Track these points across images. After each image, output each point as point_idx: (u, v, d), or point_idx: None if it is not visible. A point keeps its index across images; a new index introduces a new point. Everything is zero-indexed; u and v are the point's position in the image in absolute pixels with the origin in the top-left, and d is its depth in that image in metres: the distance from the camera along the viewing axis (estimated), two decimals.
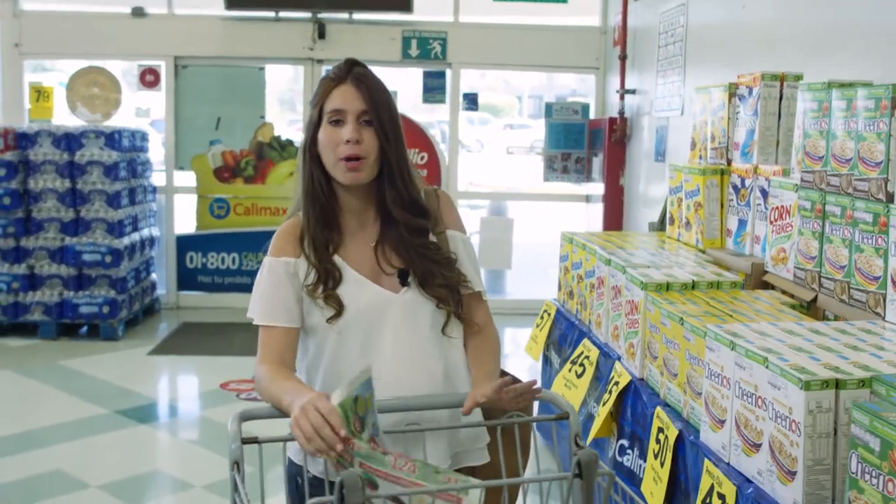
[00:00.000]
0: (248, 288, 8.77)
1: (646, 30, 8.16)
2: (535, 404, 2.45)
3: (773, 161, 4.21)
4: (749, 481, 2.66)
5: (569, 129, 9.41)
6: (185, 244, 9.83)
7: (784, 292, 3.75)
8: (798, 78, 4.26)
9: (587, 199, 9.53)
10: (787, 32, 5.30)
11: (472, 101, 10.02)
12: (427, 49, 9.51)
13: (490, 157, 18.70)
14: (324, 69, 9.79)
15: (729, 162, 4.60)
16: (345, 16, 9.42)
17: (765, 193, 4.04)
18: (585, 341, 4.54)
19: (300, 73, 9.89)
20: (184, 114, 9.76)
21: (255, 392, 2.30)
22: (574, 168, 9.41)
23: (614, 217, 8.54)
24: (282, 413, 2.14)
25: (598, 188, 8.96)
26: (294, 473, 2.34)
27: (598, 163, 8.99)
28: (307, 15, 9.39)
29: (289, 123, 11.80)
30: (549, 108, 9.63)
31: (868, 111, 3.20)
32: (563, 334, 5.04)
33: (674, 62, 7.30)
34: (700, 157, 5.02)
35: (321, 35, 9.42)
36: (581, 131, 9.36)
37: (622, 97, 8.53)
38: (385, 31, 9.47)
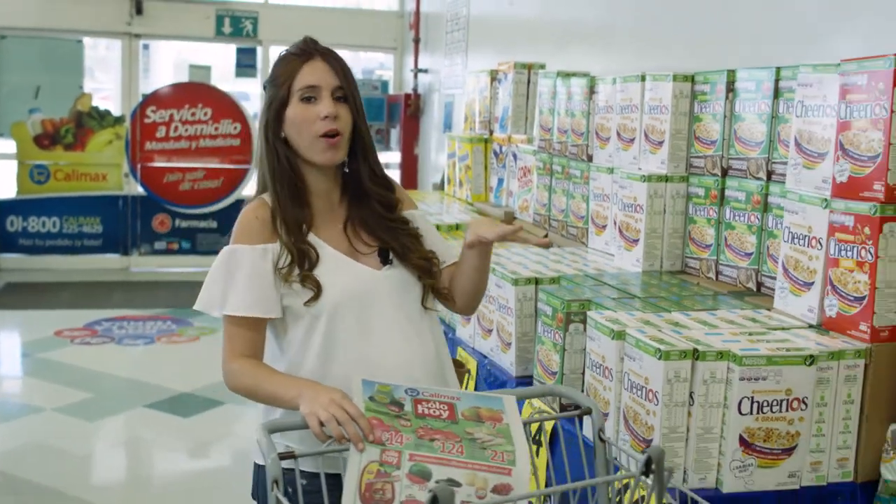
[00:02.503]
0: (69, 250, 9.53)
1: (436, 16, 9.27)
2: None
3: (522, 132, 5.36)
4: (485, 355, 3.77)
5: (370, 103, 10.43)
6: (5, 209, 10.27)
7: (527, 231, 4.91)
8: (542, 67, 5.43)
9: (387, 166, 10.61)
10: (544, 27, 6.49)
11: None
12: (239, 27, 10.29)
13: None
14: (141, 44, 10.42)
15: (491, 132, 5.75)
16: None
17: (515, 157, 5.18)
18: None
19: (117, 46, 10.45)
20: (2, 82, 10.18)
21: (230, 384, 2.20)
22: (375, 138, 10.40)
23: (410, 181, 9.65)
24: (283, 407, 2.11)
25: (396, 156, 10.07)
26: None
27: (395, 134, 10.08)
28: None
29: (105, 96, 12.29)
30: None
31: (579, 95, 4.37)
32: None
33: (458, 46, 8.44)
34: (470, 129, 6.15)
35: (139, 11, 10.03)
36: (381, 105, 10.42)
37: (416, 76, 9.63)
38: (200, 10, 10.19)
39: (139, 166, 10.23)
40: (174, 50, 13.15)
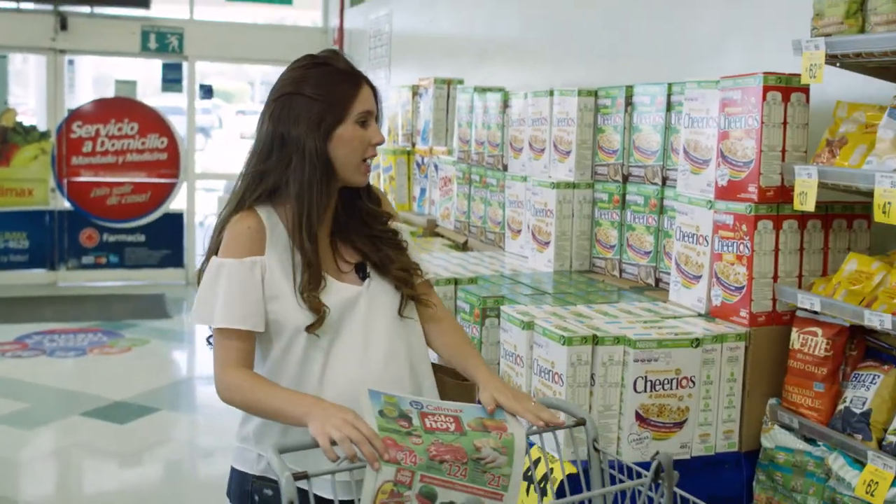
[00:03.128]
0: None
1: (359, 32, 9.53)
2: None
3: (443, 144, 5.65)
4: None
5: None
6: None
7: (448, 238, 5.20)
8: (460, 82, 5.73)
9: None
10: (462, 43, 6.80)
11: (207, 90, 11.05)
12: (165, 43, 10.42)
13: (225, 142, 19.64)
14: (66, 59, 10.49)
15: (413, 145, 6.03)
16: (86, 10, 10.18)
17: (437, 168, 5.47)
18: None
19: (34, 60, 10.49)
20: None
21: (225, 397, 2.19)
22: None
23: None
24: (287, 421, 2.10)
25: None
26: (250, 489, 2.29)
27: None
28: (49, 8, 10.07)
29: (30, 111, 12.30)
30: None
31: (494, 109, 4.67)
32: None
33: (381, 62, 8.71)
34: (394, 141, 6.42)
35: (63, 27, 10.11)
36: None
37: None
38: (125, 26, 10.30)
39: (66, 181, 10.28)
40: (99, 65, 13.22)
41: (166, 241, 10.64)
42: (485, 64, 6.31)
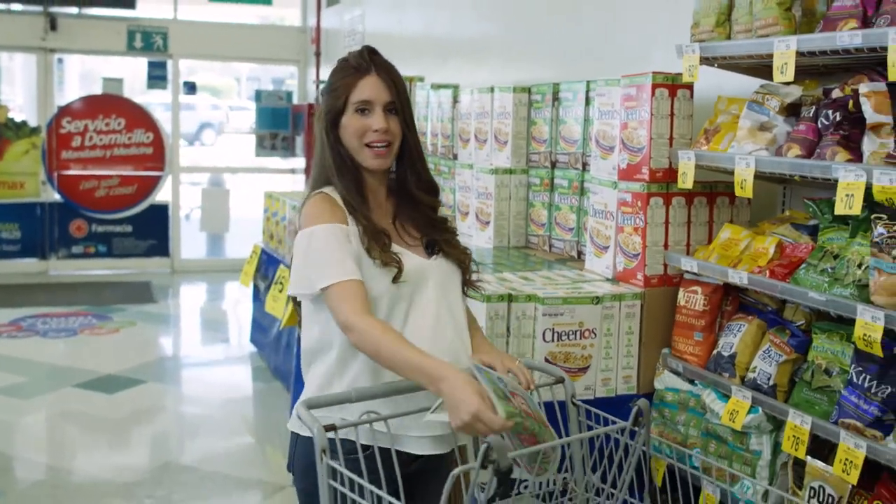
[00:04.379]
0: None
1: (335, 32, 10.02)
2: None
3: None
4: None
5: (276, 112, 11.15)
6: None
7: None
8: (421, 79, 6.24)
9: (293, 171, 11.36)
10: (426, 43, 7.31)
11: (190, 87, 11.54)
12: (150, 42, 10.88)
13: (209, 137, 20.17)
14: (56, 58, 10.95)
15: None
16: (74, 10, 10.63)
17: None
18: (281, 266, 6.34)
19: (32, 62, 10.95)
20: None
21: (357, 342, 2.24)
22: (281, 145, 11.17)
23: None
24: (401, 374, 2.21)
25: (301, 162, 10.79)
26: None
27: (300, 141, 10.80)
28: (39, 9, 10.51)
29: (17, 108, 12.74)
30: (258, 95, 11.36)
31: (446, 104, 5.19)
32: (266, 265, 6.81)
33: None
34: None
35: (52, 27, 10.55)
36: (286, 114, 11.14)
37: (318, 87, 10.37)
38: (112, 26, 10.75)
39: (56, 174, 10.73)
40: (86, 63, 13.68)
41: (152, 231, 11.11)
42: (446, 62, 6.82)
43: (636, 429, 2.24)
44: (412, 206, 2.51)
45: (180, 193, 11.32)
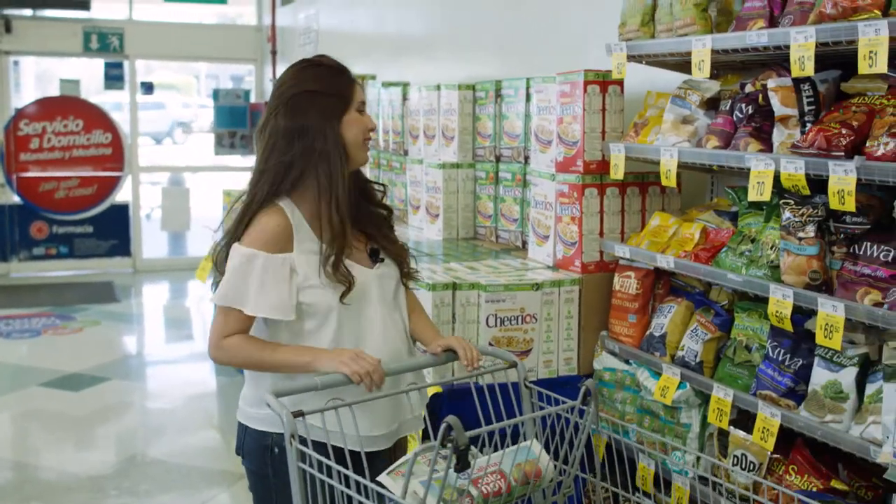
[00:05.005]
0: None
1: (290, 30, 10.15)
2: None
3: None
4: None
5: (234, 111, 11.26)
6: None
7: None
8: (373, 77, 6.40)
9: (251, 170, 11.43)
10: (377, 41, 7.46)
11: (148, 87, 11.62)
12: (106, 43, 10.94)
13: (181, 136, 20.22)
14: (11, 60, 10.98)
15: None
16: (29, 13, 10.67)
17: None
18: None
19: None
20: None
21: (222, 357, 2.52)
22: (240, 144, 11.28)
23: None
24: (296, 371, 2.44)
25: None
26: (270, 444, 2.56)
27: None
28: None
29: None
30: (216, 94, 11.46)
31: (396, 101, 5.35)
32: None
33: None
34: None
35: (7, 29, 10.58)
36: (244, 113, 11.25)
37: None
38: (67, 27, 10.80)
39: (15, 177, 10.77)
40: (41, 63, 13.67)
41: (113, 231, 11.19)
42: (397, 60, 6.99)
43: (584, 407, 2.39)
44: (360, 203, 2.67)
45: (140, 193, 11.40)
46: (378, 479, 2.17)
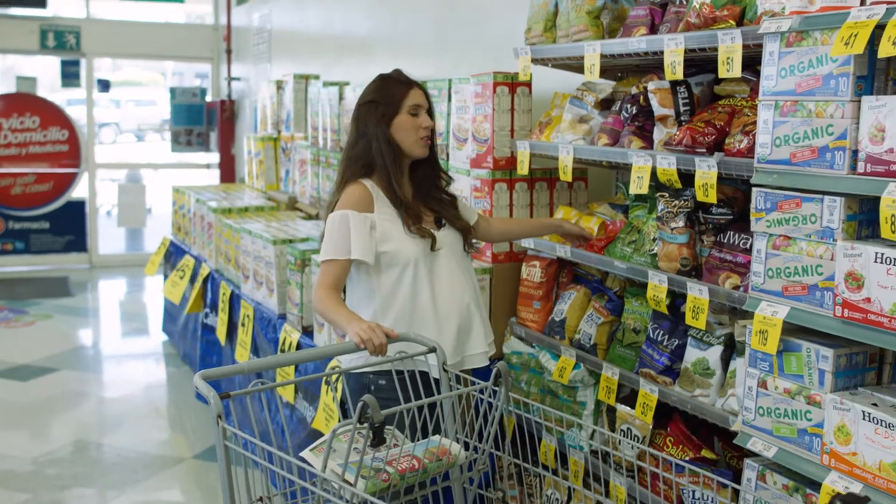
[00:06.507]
0: None
1: (245, 30, 10.32)
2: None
3: (302, 131, 6.52)
4: (259, 303, 4.92)
5: (190, 108, 11.42)
6: None
7: (304, 211, 6.08)
8: (316, 77, 6.60)
9: (208, 166, 11.62)
10: (325, 41, 7.66)
11: (104, 85, 11.74)
12: (63, 41, 11.05)
13: (126, 132, 20.26)
14: None
15: (279, 132, 6.88)
16: None
17: (295, 151, 6.33)
18: (186, 256, 6.67)
19: None
20: None
21: (314, 305, 3.01)
22: (196, 141, 11.44)
23: (228, 177, 10.66)
24: (333, 325, 2.92)
25: (215, 157, 11.06)
26: (365, 383, 3.05)
27: (214, 136, 11.08)
28: None
29: None
30: (173, 92, 11.60)
31: (334, 100, 5.56)
32: (175, 256, 7.12)
33: (263, 57, 9.52)
34: (265, 129, 7.26)
35: None
36: (200, 111, 11.41)
37: (229, 83, 10.66)
38: (23, 25, 10.90)
39: None
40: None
41: (70, 227, 11.30)
42: (341, 60, 7.19)
43: (497, 388, 2.58)
44: (428, 187, 3.17)
45: (97, 190, 11.52)
46: (300, 454, 2.35)
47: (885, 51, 2.06)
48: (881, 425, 2.14)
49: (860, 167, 2.17)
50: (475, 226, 3.30)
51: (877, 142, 2.13)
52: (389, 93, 3.08)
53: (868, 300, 2.15)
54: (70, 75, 11.35)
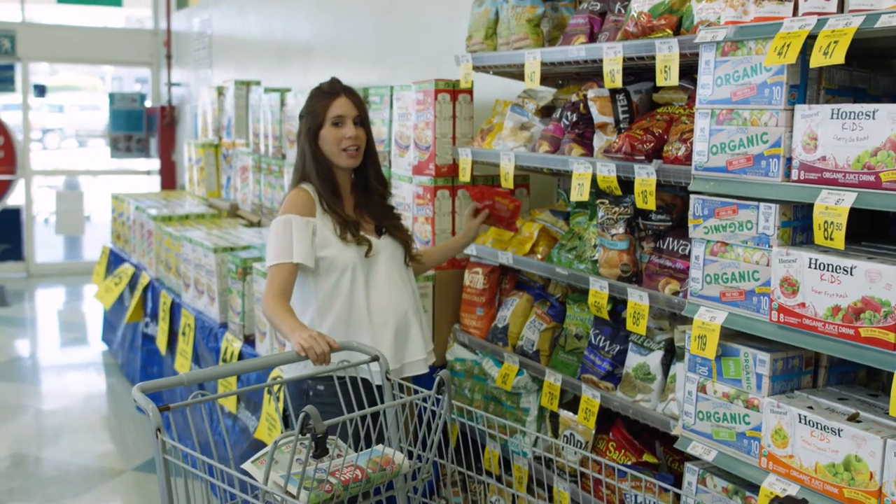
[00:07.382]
0: None
1: (185, 35, 10.22)
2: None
3: (243, 137, 6.46)
4: (200, 312, 4.87)
5: (130, 114, 11.26)
6: None
7: (246, 218, 6.03)
8: (257, 83, 6.55)
9: (148, 172, 11.47)
10: (266, 47, 7.61)
11: (40, 90, 11.55)
12: None
13: (65, 138, 19.94)
14: None
15: (220, 139, 6.82)
16: None
17: (236, 158, 6.28)
18: (125, 265, 6.57)
19: None
20: None
21: (263, 311, 2.99)
22: (136, 147, 11.29)
23: (169, 184, 10.55)
24: (277, 329, 2.87)
25: (156, 164, 10.92)
26: (306, 387, 3.06)
27: (154, 143, 10.94)
28: None
29: None
30: (111, 97, 11.43)
31: (275, 106, 5.52)
32: (115, 264, 7.02)
33: (204, 62, 9.43)
34: (206, 136, 7.19)
35: None
36: (140, 116, 11.26)
37: (170, 89, 10.54)
38: None
39: None
40: None
41: (5, 236, 11.06)
42: (283, 65, 7.15)
43: (440, 396, 2.54)
44: (368, 197, 3.18)
45: (34, 197, 11.30)
46: (242, 466, 2.31)
47: (816, 60, 2.10)
48: (816, 428, 2.18)
49: (794, 174, 2.21)
50: (416, 256, 3.30)
51: (810, 150, 2.16)
52: (313, 106, 3.11)
53: (803, 305, 2.19)
54: (4, 80, 11.14)
